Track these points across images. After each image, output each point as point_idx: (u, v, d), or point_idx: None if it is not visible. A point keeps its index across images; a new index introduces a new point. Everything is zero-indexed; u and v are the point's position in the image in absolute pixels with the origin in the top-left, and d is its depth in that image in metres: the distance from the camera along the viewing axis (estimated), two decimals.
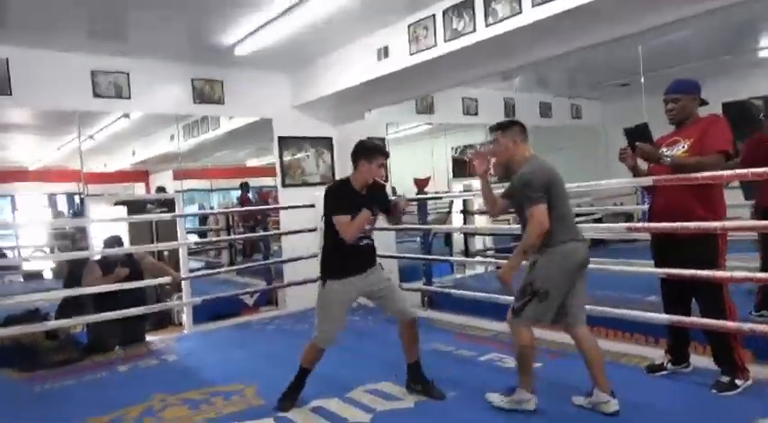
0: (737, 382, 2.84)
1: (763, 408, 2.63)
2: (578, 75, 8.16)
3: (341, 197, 3.01)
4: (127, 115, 7.78)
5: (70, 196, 11.49)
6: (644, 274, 3.42)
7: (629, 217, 8.26)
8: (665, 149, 2.96)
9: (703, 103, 3.00)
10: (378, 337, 4.54)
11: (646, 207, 6.77)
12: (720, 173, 2.71)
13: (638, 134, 2.95)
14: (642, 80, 5.64)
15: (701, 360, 3.16)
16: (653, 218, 3.06)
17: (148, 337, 4.91)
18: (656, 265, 3.08)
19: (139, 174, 10.93)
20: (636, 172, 3.15)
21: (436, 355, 3.86)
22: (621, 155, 3.04)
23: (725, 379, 2.87)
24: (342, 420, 2.86)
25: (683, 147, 2.87)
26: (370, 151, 3.05)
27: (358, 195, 3.02)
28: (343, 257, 3.04)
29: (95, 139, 8.40)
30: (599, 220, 7.98)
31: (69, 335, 4.63)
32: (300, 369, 3.08)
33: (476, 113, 8.01)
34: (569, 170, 9.60)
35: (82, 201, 10.42)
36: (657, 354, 3.46)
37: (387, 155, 3.10)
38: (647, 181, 3.19)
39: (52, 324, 4.29)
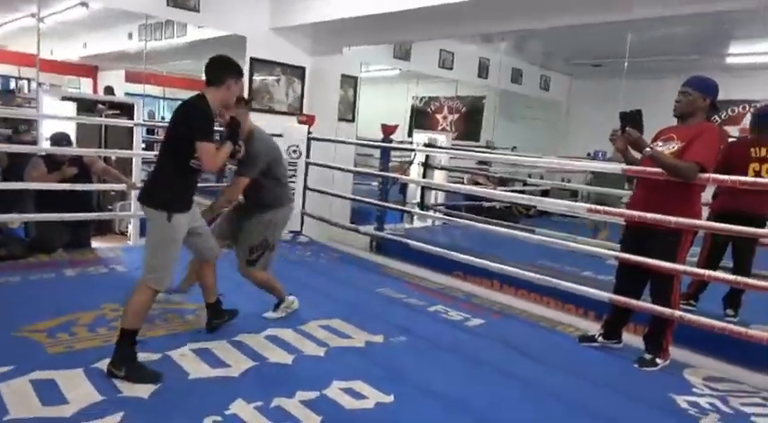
0: (658, 360, 3.15)
1: (678, 385, 2.95)
2: (554, 47, 8.27)
3: (211, 120, 2.60)
4: (85, 4, 7.21)
5: (5, 79, 10.63)
6: (595, 254, 3.65)
7: (573, 193, 8.66)
8: (660, 143, 3.06)
9: (714, 107, 3.02)
10: (329, 274, 4.64)
11: (591, 188, 7.09)
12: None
13: (631, 119, 3.00)
14: (625, 64, 5.77)
15: (632, 338, 3.46)
16: (631, 207, 3.19)
17: (94, 244, 4.78)
18: (623, 249, 3.27)
19: (88, 68, 10.23)
20: (625, 156, 3.21)
21: (387, 300, 4.01)
22: (612, 136, 3.10)
23: (648, 356, 3.17)
24: (297, 351, 2.97)
25: (674, 146, 2.97)
26: (240, 70, 2.71)
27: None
28: (188, 188, 2.70)
29: (45, 22, 7.75)
30: (546, 192, 8.33)
31: (9, 229, 4.44)
32: (129, 333, 2.51)
33: (451, 68, 8.00)
34: (532, 139, 9.91)
35: (12, 87, 9.63)
36: (586, 324, 3.77)
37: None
38: (616, 168, 3.37)
39: None
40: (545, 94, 9.53)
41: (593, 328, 3.57)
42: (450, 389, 2.69)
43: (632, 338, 3.45)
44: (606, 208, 3.54)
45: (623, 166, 3.24)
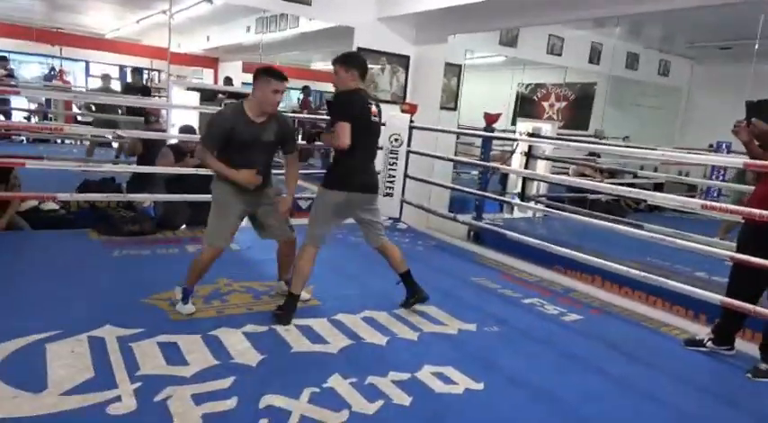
0: None
1: None
2: (676, 29, 7.68)
3: None
4: (210, 0, 7.75)
5: (140, 71, 11.76)
6: (707, 253, 3.43)
7: (691, 188, 8.05)
8: None
9: None
10: (425, 261, 4.72)
11: (712, 182, 6.57)
12: None
13: (757, 110, 2.80)
14: (756, 47, 5.22)
15: (746, 346, 3.23)
16: (751, 204, 2.96)
17: None
18: (739, 249, 3.05)
19: (210, 60, 11.05)
20: (749, 149, 2.99)
21: (482, 289, 4.02)
22: (735, 127, 2.90)
23: (763, 366, 2.94)
24: (391, 333, 3.08)
25: None
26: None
27: None
28: None
29: (174, 18, 8.43)
30: (660, 185, 7.83)
31: (142, 208, 4.97)
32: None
33: (560, 54, 7.71)
34: (646, 128, 9.33)
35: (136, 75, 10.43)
36: (695, 328, 3.55)
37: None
38: (737, 162, 3.13)
39: (132, 196, 4.62)
40: (663, 79, 8.88)
41: (704, 332, 3.36)
42: (541, 381, 2.68)
43: (748, 346, 3.22)
44: (723, 205, 3.29)
45: (744, 159, 3.01)
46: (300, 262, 3.13)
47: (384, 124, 3.29)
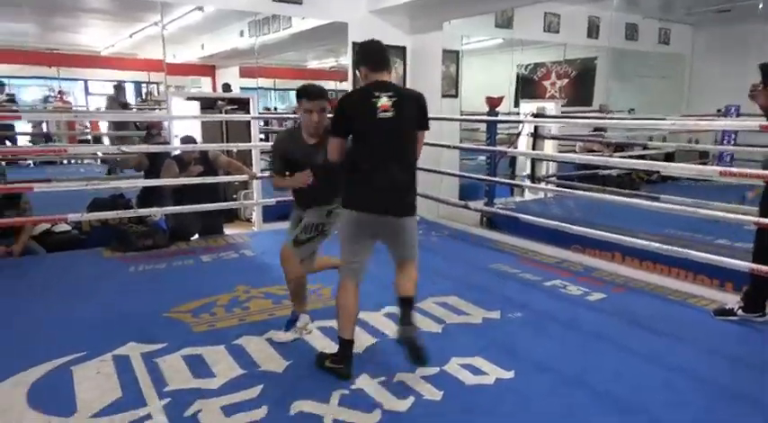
0: None
1: None
2: None
3: None
4: (200, 8, 7.70)
5: (138, 85, 11.77)
6: (729, 220, 3.36)
7: (702, 155, 7.94)
8: None
9: None
10: (441, 252, 4.69)
11: (724, 147, 6.47)
12: None
13: None
14: (760, 6, 5.08)
15: None
16: None
17: (226, 231, 5.21)
18: (762, 214, 2.98)
19: (207, 68, 11.00)
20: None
21: (502, 276, 3.99)
22: (752, 92, 2.82)
23: None
24: None
25: None
26: None
27: None
28: None
29: (167, 29, 8.38)
30: (671, 155, 7.73)
31: (153, 222, 4.96)
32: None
33: (557, 31, 7.61)
34: (651, 98, 9.20)
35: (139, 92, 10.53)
36: (722, 297, 3.48)
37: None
38: (752, 125, 3.06)
39: (143, 211, 4.62)
40: (665, 48, 8.74)
41: (732, 300, 3.30)
42: (570, 364, 2.64)
43: None
44: (741, 170, 3.22)
45: (761, 121, 2.94)
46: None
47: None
